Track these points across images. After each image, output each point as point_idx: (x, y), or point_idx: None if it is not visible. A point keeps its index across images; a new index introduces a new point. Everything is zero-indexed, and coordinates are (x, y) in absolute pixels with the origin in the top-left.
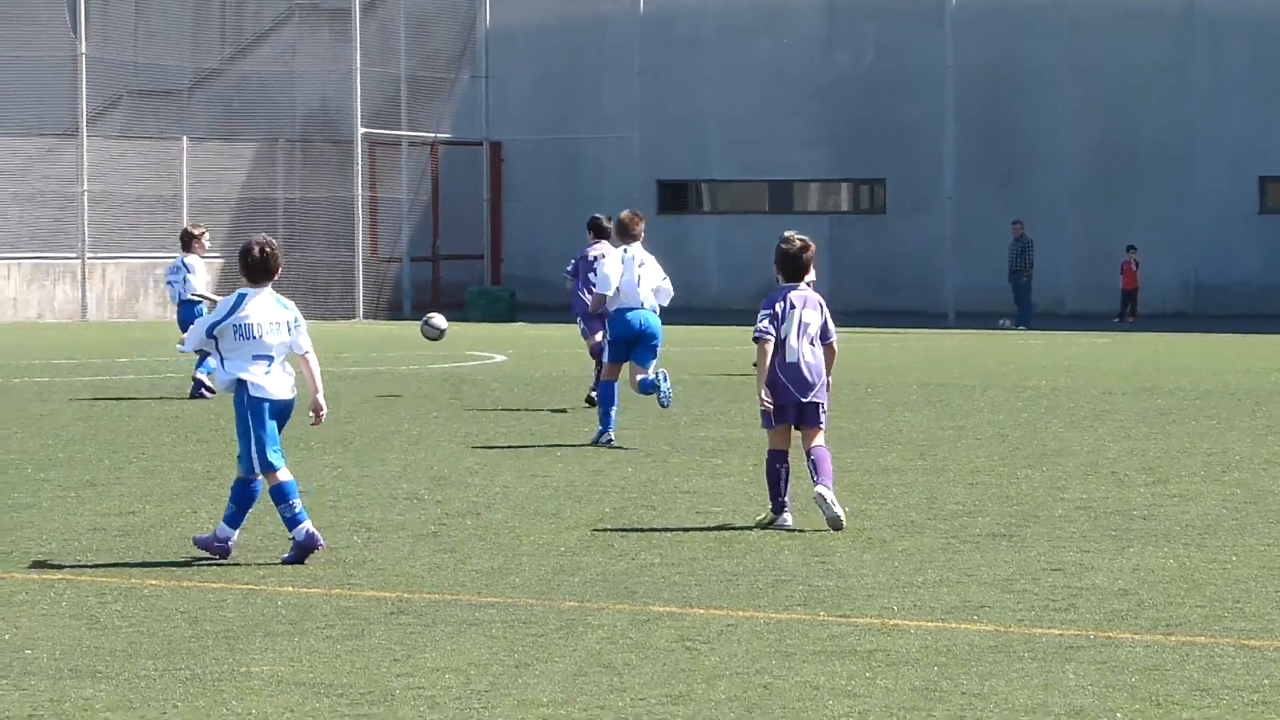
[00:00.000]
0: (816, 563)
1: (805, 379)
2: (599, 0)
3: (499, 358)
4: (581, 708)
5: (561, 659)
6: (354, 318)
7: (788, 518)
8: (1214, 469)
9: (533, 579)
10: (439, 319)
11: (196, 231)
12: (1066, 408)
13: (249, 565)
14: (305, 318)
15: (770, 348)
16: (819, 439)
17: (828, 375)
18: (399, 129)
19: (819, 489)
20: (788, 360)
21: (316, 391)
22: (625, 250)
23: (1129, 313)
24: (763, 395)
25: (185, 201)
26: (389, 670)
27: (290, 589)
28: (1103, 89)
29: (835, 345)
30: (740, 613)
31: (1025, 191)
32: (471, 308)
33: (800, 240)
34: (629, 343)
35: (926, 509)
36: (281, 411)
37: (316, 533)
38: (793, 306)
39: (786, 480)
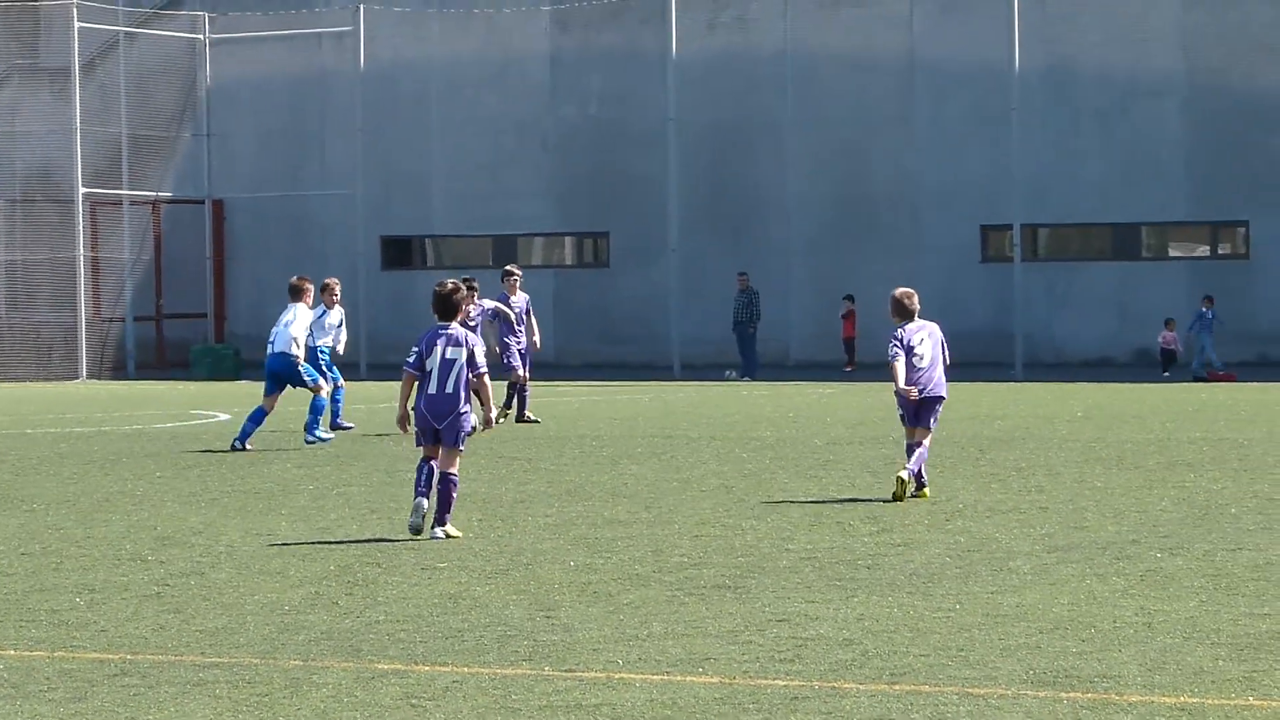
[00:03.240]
0: (542, 617)
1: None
2: (321, 56)
3: (223, 416)
4: None
5: (286, 718)
6: (78, 378)
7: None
8: (938, 517)
9: (257, 638)
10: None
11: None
12: (791, 458)
13: None
14: (28, 379)
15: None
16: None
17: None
18: (120, 188)
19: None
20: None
21: None
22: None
23: (851, 360)
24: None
25: None
26: None
27: (12, 652)
28: (829, 141)
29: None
30: (466, 669)
31: (753, 243)
32: (196, 366)
33: (904, 291)
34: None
35: (653, 561)
36: None
37: None
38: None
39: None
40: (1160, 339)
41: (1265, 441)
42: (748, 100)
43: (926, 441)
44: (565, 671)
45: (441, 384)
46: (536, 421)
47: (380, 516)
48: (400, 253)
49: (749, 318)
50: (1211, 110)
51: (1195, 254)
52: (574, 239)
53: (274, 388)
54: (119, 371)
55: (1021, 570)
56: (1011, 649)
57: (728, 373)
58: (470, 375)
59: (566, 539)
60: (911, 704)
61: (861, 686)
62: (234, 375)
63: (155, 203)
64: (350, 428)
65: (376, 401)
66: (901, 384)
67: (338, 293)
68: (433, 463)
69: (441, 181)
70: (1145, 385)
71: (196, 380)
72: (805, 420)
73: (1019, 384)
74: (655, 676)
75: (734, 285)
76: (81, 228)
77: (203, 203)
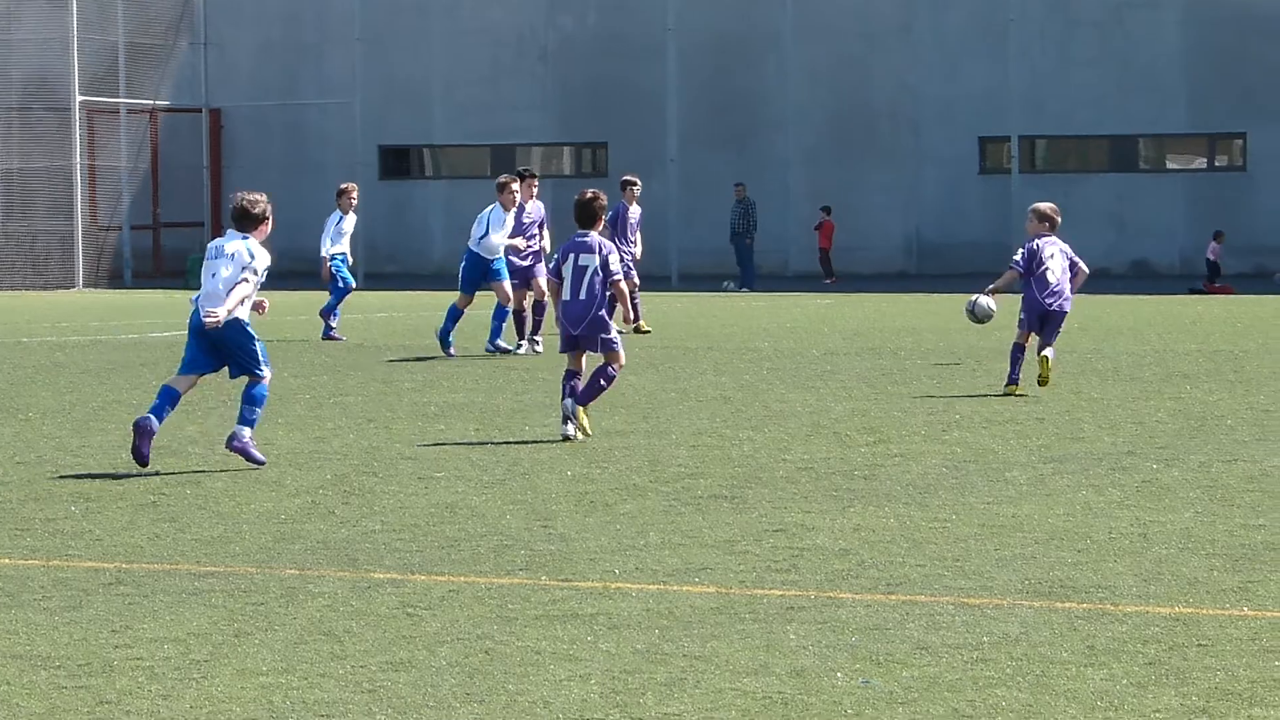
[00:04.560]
0: (539, 527)
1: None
2: None
3: None
4: (302, 675)
5: (282, 627)
6: (74, 286)
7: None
8: (935, 428)
9: (253, 547)
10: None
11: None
12: (789, 369)
13: None
14: (24, 288)
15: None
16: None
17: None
18: (118, 96)
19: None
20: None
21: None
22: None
23: (830, 273)
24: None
25: None
26: (107, 641)
27: (7, 560)
28: (828, 52)
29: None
30: (462, 578)
31: (753, 154)
32: (192, 275)
33: (1050, 206)
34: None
35: (650, 472)
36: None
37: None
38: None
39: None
40: (1209, 251)
41: (1261, 354)
42: (748, 11)
43: (1053, 344)
44: (562, 581)
45: (575, 291)
46: (648, 331)
47: (377, 426)
48: (398, 162)
49: (746, 229)
50: (1208, 21)
51: (1192, 166)
52: (573, 149)
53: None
54: (116, 280)
55: (1018, 481)
56: (1007, 560)
57: (726, 284)
58: (607, 281)
59: (563, 449)
60: (907, 614)
61: (857, 597)
62: None
63: (153, 111)
64: (340, 339)
65: (373, 311)
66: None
67: (355, 198)
68: (575, 381)
69: (440, 91)
70: (1141, 297)
71: (193, 289)
72: (803, 331)
73: (1016, 295)
74: (652, 586)
75: (732, 197)
76: (78, 136)
77: (200, 111)
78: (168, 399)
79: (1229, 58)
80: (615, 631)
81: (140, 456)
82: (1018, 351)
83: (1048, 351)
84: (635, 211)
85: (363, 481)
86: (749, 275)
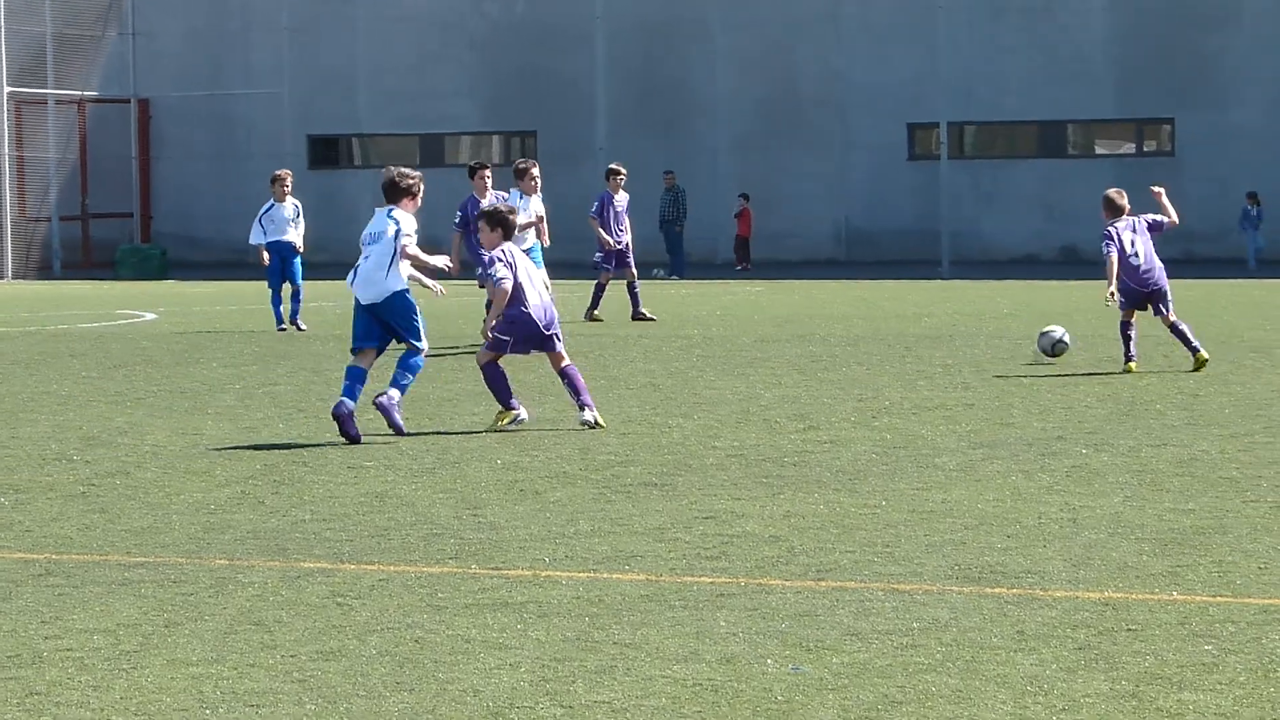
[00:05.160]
0: (469, 515)
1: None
2: None
3: (149, 316)
4: (232, 665)
5: (212, 617)
6: (3, 278)
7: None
8: (865, 414)
9: (183, 537)
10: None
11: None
12: (719, 356)
13: None
14: None
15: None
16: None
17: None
18: (45, 87)
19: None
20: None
21: None
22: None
23: (744, 260)
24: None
25: None
26: (37, 633)
27: None
28: (757, 39)
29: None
30: (392, 567)
31: (681, 142)
32: (121, 266)
33: (1116, 190)
34: None
35: (579, 459)
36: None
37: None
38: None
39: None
40: None
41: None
42: None
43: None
44: (492, 569)
45: (538, 292)
46: (653, 319)
47: (307, 415)
48: (327, 151)
49: (675, 216)
50: (1136, 7)
51: (1121, 151)
52: (501, 138)
53: None
54: (44, 271)
55: (947, 467)
56: (937, 545)
57: (655, 271)
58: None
59: (493, 437)
60: (837, 600)
61: (787, 583)
62: (160, 275)
63: (81, 102)
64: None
65: (309, 300)
66: (1113, 282)
67: (289, 184)
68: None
69: (368, 80)
70: (1071, 283)
71: (122, 280)
72: (733, 319)
73: (945, 282)
74: (581, 574)
75: (661, 185)
76: (6, 127)
77: (128, 102)
78: (356, 378)
79: (1157, 43)
80: (545, 619)
81: (352, 438)
82: (1126, 329)
83: (1203, 352)
84: (623, 199)
85: (292, 471)
86: (679, 263)
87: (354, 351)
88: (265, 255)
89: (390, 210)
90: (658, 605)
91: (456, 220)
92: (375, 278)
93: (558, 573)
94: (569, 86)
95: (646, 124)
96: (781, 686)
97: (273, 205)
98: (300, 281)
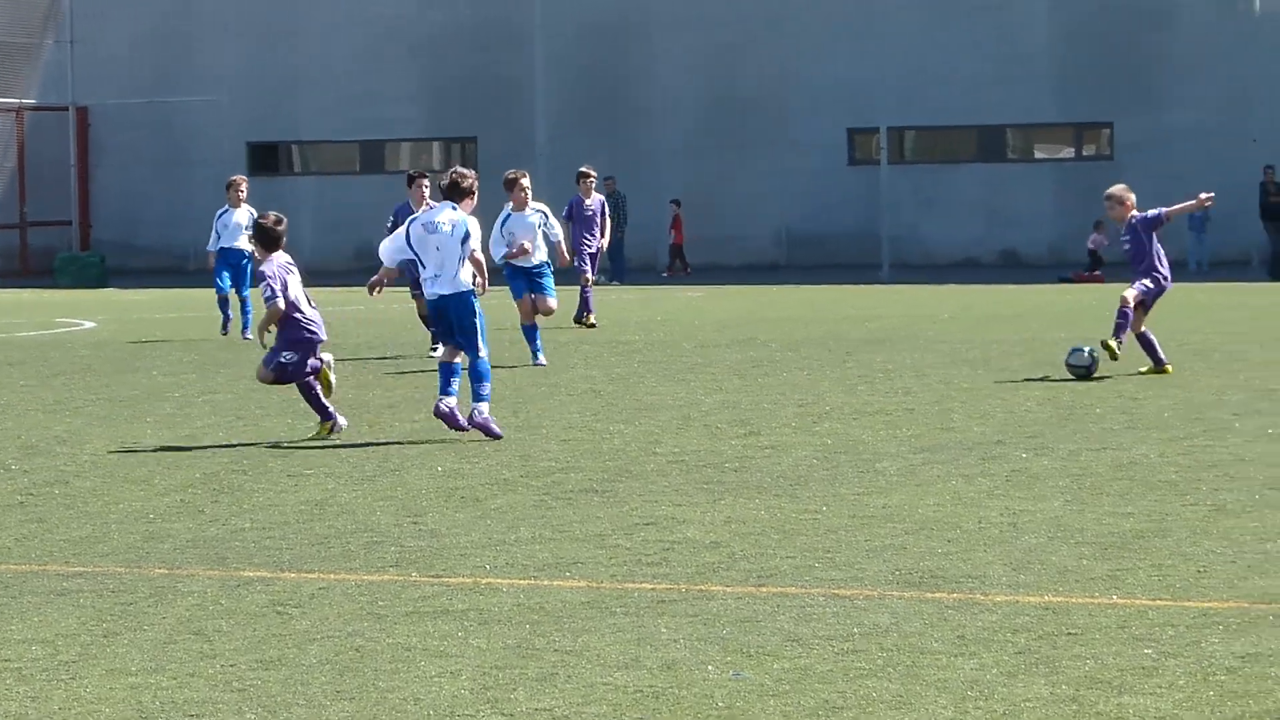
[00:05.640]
0: (409, 523)
1: None
2: None
3: (88, 324)
4: (171, 675)
5: (151, 627)
6: None
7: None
8: (806, 420)
9: (122, 547)
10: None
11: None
12: (661, 361)
13: None
14: None
15: None
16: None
17: None
18: None
19: None
20: None
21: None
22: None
23: (682, 267)
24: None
25: None
26: None
27: None
28: (699, 43)
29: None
30: (332, 575)
31: (624, 146)
32: (60, 274)
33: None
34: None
35: (520, 466)
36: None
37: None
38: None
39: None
40: (1090, 241)
41: (1129, 342)
42: (617, 1)
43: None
44: (432, 577)
45: None
46: (593, 326)
47: (247, 423)
48: (268, 158)
49: (616, 223)
50: (1076, 12)
51: (1060, 155)
52: (442, 144)
53: None
54: None
55: (888, 472)
56: (878, 550)
57: (597, 276)
58: None
59: (434, 444)
60: (779, 606)
61: (728, 589)
62: (99, 283)
63: (19, 110)
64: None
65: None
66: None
67: (244, 190)
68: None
69: (309, 87)
70: (1011, 286)
71: (61, 288)
72: (674, 324)
73: (886, 286)
74: (522, 581)
75: (603, 190)
76: None
77: (66, 109)
78: (448, 373)
79: (1096, 48)
80: (486, 627)
81: (460, 427)
82: (1139, 332)
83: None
84: (595, 202)
85: (232, 479)
86: (620, 268)
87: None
88: (211, 262)
89: (454, 206)
90: (599, 612)
91: (389, 225)
92: (448, 273)
93: (499, 580)
94: (510, 91)
95: (588, 128)
96: (723, 692)
97: (227, 210)
98: (247, 292)
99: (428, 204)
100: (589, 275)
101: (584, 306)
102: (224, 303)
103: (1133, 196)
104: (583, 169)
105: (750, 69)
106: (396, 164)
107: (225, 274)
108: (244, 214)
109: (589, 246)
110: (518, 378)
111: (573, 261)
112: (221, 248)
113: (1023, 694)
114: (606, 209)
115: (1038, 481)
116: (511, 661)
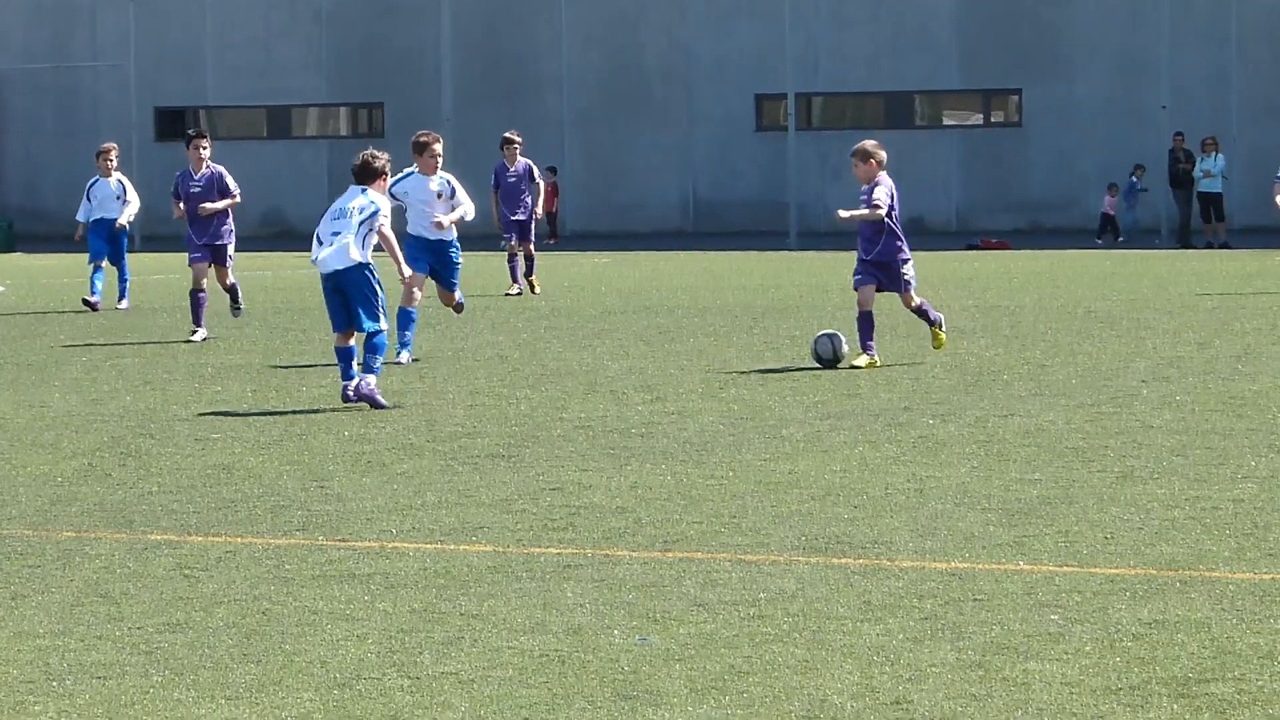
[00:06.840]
0: (316, 487)
1: None
2: None
3: None
4: (79, 638)
5: (59, 590)
6: None
7: None
8: (712, 386)
9: (29, 510)
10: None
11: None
12: (566, 328)
13: None
14: None
15: None
16: None
17: None
18: None
19: None
20: None
21: None
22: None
23: (551, 234)
24: None
25: None
26: None
27: None
28: (602, 12)
29: None
30: (239, 539)
31: (527, 114)
32: None
33: None
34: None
35: (426, 431)
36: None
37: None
38: None
39: None
40: (1106, 205)
41: (1036, 309)
42: None
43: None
44: (339, 541)
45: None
46: (518, 295)
47: (153, 388)
48: (174, 124)
49: None
50: None
51: (969, 122)
52: (348, 110)
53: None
54: None
55: (794, 438)
56: (784, 516)
57: (502, 242)
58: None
59: (340, 409)
60: (684, 571)
61: (634, 554)
62: (7, 248)
63: None
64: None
65: (150, 273)
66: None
67: (114, 159)
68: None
69: (214, 53)
70: (919, 254)
71: None
72: (579, 290)
73: (793, 253)
74: (429, 545)
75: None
76: None
77: None
78: (345, 358)
79: (1003, 15)
80: (392, 591)
81: (376, 404)
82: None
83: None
84: (521, 166)
85: (139, 443)
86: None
87: (335, 333)
88: (79, 232)
89: (364, 189)
90: (504, 576)
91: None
92: (344, 247)
93: (405, 544)
94: (415, 59)
95: (492, 96)
96: (628, 657)
97: (97, 181)
98: (124, 261)
99: (208, 167)
100: (514, 245)
101: (516, 274)
102: (97, 270)
103: (882, 154)
104: (507, 134)
105: (656, 37)
106: (304, 130)
107: (102, 244)
108: (114, 183)
109: (520, 215)
110: (424, 342)
111: (503, 233)
112: (96, 219)
113: (928, 659)
114: (535, 173)
115: (944, 448)
116: (417, 625)
